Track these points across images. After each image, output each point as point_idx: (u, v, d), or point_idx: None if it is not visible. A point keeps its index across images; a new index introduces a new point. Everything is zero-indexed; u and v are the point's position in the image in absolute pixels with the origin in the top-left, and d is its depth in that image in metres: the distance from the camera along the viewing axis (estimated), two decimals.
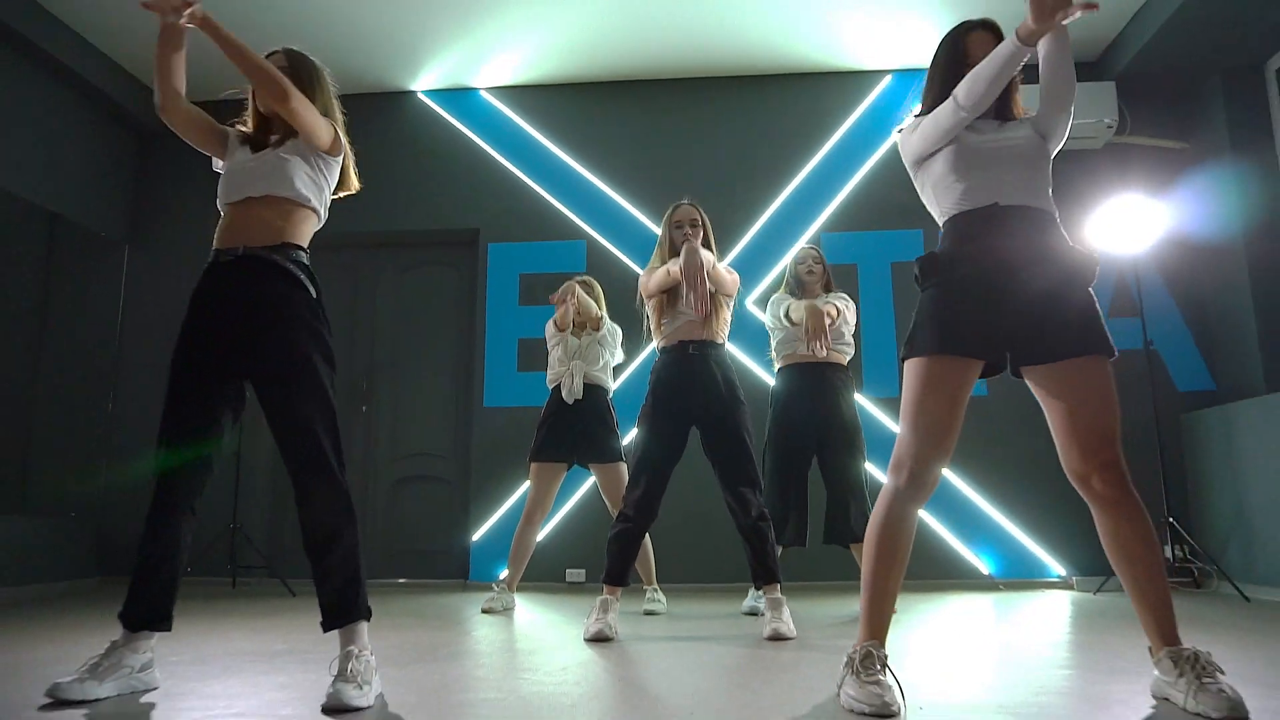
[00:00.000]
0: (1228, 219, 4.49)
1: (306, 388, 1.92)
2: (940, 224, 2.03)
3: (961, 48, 2.09)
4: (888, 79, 5.11)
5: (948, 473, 4.57)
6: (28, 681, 1.97)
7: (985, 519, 4.53)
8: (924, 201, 2.10)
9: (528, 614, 3.47)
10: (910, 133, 2.04)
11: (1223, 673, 1.64)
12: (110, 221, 5.19)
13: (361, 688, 1.69)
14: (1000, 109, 2.08)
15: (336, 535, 1.88)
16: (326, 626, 1.85)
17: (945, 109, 1.95)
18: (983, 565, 4.50)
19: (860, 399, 4.51)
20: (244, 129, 2.21)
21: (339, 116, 2.28)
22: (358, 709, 1.65)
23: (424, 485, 5.00)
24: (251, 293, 1.97)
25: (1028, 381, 1.93)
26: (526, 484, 3.93)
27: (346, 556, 1.89)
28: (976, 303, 1.86)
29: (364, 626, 1.85)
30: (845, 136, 5.04)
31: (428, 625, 3.06)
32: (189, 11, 1.92)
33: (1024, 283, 1.85)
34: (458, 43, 4.84)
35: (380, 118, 5.27)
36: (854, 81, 5.12)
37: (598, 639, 2.65)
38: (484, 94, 5.30)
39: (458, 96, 5.31)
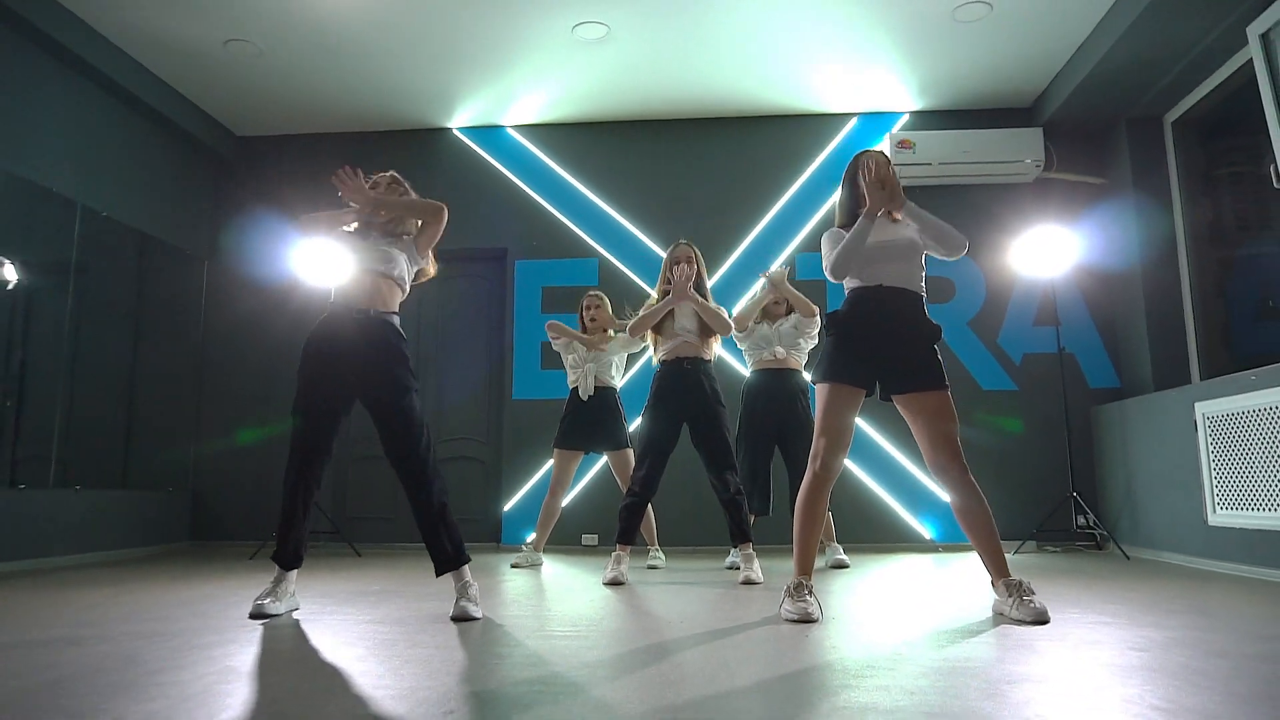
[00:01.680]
0: (1129, 248, 5.41)
1: (407, 408, 2.80)
2: (845, 290, 2.96)
3: (860, 164, 3.00)
4: (854, 121, 6.00)
5: (892, 449, 5.53)
6: (220, 606, 2.92)
7: (927, 491, 5.50)
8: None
9: (552, 569, 4.43)
10: (826, 255, 2.95)
11: (1035, 593, 2.59)
12: (193, 240, 6.09)
13: (477, 604, 2.64)
14: (890, 215, 2.99)
15: (443, 509, 2.78)
16: (440, 571, 2.76)
17: (827, 264, 2.87)
18: (925, 530, 5.47)
19: None
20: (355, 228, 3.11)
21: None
22: (476, 619, 2.59)
23: (463, 464, 5.95)
24: (371, 340, 2.88)
25: (896, 405, 2.85)
26: (550, 464, 4.85)
27: (450, 523, 2.78)
28: (859, 350, 2.80)
29: (467, 567, 2.79)
30: (818, 170, 5.94)
31: (474, 576, 4.02)
32: (358, 201, 2.87)
33: (890, 340, 2.79)
34: (488, 87, 5.69)
35: (421, 151, 6.16)
36: (825, 123, 6.02)
37: (613, 583, 3.59)
38: (511, 131, 6.19)
39: (488, 133, 6.20)
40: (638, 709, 1.54)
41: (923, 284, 2.87)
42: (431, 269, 3.18)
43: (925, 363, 2.78)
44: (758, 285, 4.76)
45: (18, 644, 2.20)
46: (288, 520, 2.78)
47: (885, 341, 2.78)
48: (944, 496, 5.45)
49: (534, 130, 6.18)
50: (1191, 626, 2.40)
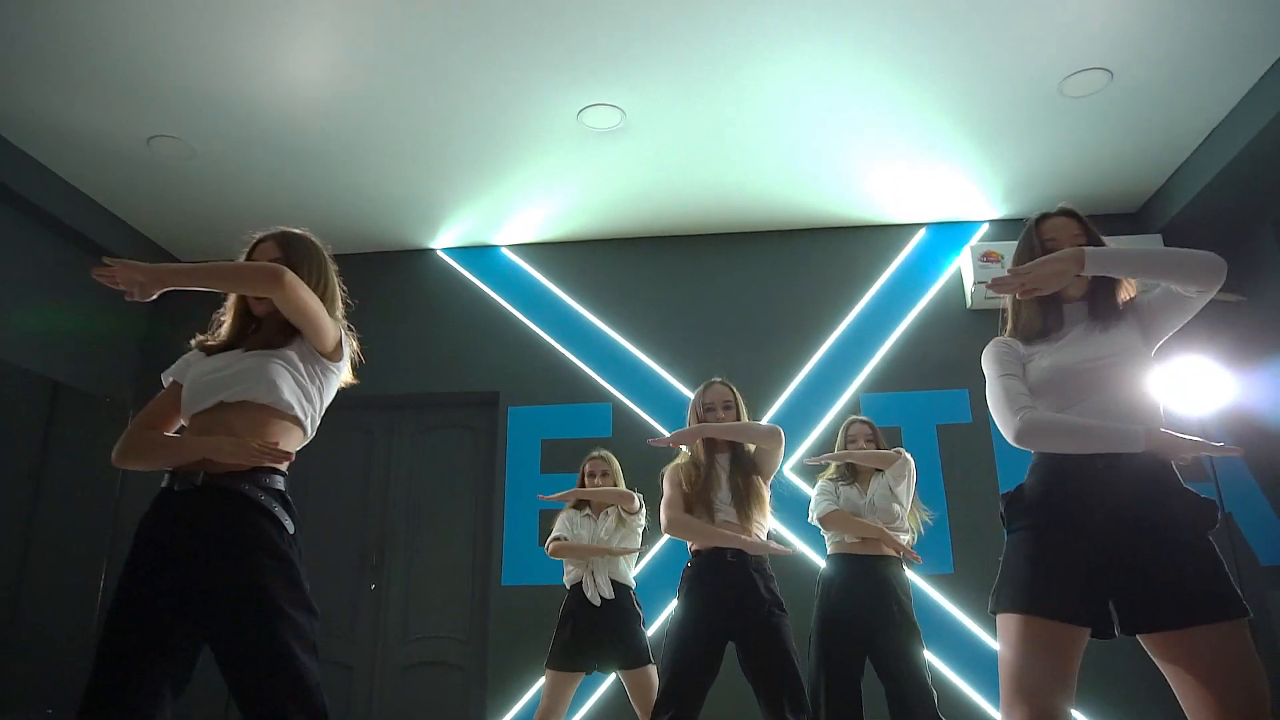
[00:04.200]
0: None
1: (265, 650, 1.59)
2: (1033, 454, 1.78)
3: (1035, 237, 1.93)
4: (922, 232, 4.96)
5: None
6: None
7: None
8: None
9: None
10: (996, 399, 1.82)
11: None
12: (113, 383, 4.99)
13: None
14: (1098, 306, 1.87)
15: None
16: None
17: (1005, 411, 1.76)
18: None
19: (916, 580, 4.16)
20: (210, 343, 1.96)
21: (341, 309, 2.04)
22: None
23: (436, 672, 4.60)
24: (210, 528, 1.68)
25: (1147, 649, 1.63)
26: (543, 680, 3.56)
27: None
28: (1072, 559, 1.61)
29: None
30: (881, 292, 4.86)
31: None
32: (140, 292, 1.69)
33: (1128, 537, 1.60)
34: (478, 200, 4.72)
35: (398, 275, 5.14)
36: (886, 235, 4.98)
37: None
38: (505, 251, 5.18)
39: (478, 254, 5.19)
40: None
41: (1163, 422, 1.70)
42: (348, 373, 2.00)
43: (1198, 574, 1.62)
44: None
45: None
46: None
47: (1119, 540, 1.64)
48: None
49: (534, 250, 5.17)
50: None
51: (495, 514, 4.72)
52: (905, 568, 3.25)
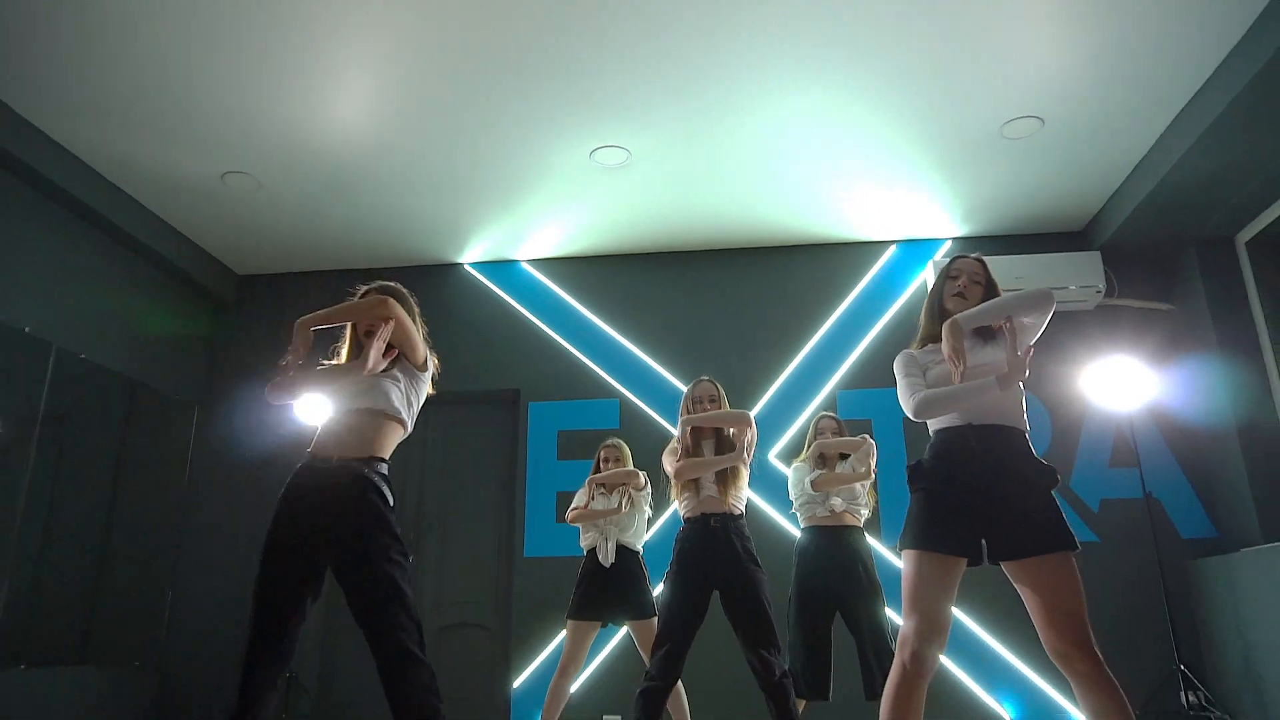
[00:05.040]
0: (1214, 384, 4.82)
1: (380, 581, 2.24)
2: (930, 432, 2.41)
3: (945, 273, 2.53)
4: (892, 249, 5.59)
5: (967, 619, 4.79)
6: None
7: (1005, 664, 4.72)
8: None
9: None
10: (903, 387, 2.43)
11: None
12: (183, 386, 5.65)
13: None
14: (983, 335, 2.46)
15: (431, 713, 2.18)
16: None
17: (906, 397, 2.38)
18: (1003, 711, 4.66)
19: (879, 548, 4.79)
20: (337, 362, 2.61)
21: (423, 331, 2.70)
22: None
23: (467, 632, 5.26)
24: (338, 496, 2.33)
25: (1007, 574, 2.25)
26: (564, 634, 4.18)
27: None
28: (954, 507, 2.22)
29: None
30: (855, 301, 5.49)
31: None
32: (299, 362, 2.36)
33: (994, 490, 2.21)
34: (502, 219, 5.35)
35: (429, 288, 5.74)
36: (860, 251, 5.61)
37: None
38: (525, 265, 5.83)
39: (501, 268, 5.84)
40: None
41: (1025, 417, 2.32)
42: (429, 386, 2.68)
43: (1043, 517, 2.19)
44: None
45: None
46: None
47: (988, 493, 2.22)
48: (1026, 671, 4.67)
49: (550, 264, 5.82)
50: None
51: (518, 495, 5.36)
52: (868, 537, 3.88)
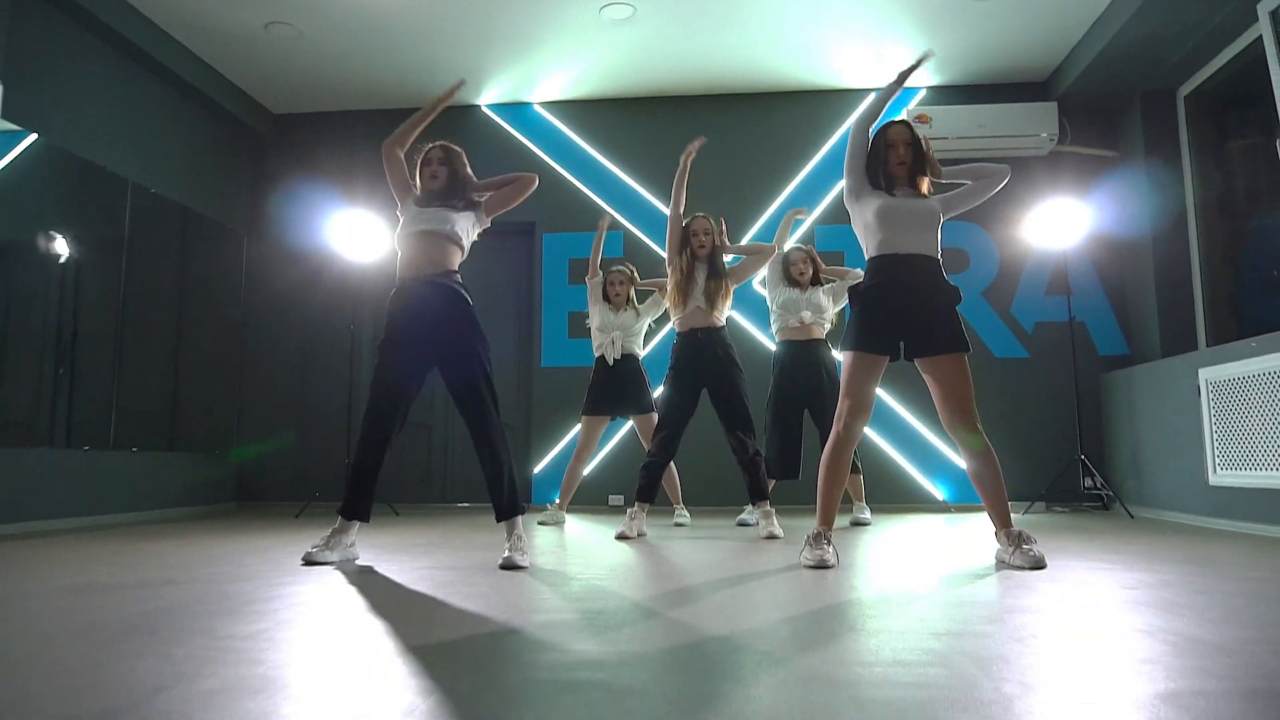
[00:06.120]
0: (1140, 219, 5.56)
1: (481, 371, 3.01)
2: (866, 258, 3.14)
3: (884, 138, 3.17)
4: (870, 97, 6.12)
5: (908, 415, 5.74)
6: (285, 554, 3.18)
7: (940, 454, 5.71)
8: (856, 234, 3.18)
9: (578, 526, 4.68)
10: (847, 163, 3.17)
11: (1035, 542, 2.80)
12: (233, 215, 6.32)
13: (524, 554, 2.86)
14: (914, 186, 3.15)
15: (505, 463, 3.00)
16: (500, 518, 2.97)
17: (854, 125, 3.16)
18: (937, 492, 5.69)
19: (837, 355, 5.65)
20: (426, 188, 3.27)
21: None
22: (522, 567, 2.77)
23: None
24: (442, 307, 3.03)
25: (917, 366, 3.05)
26: (577, 428, 5.08)
27: (511, 476, 2.99)
28: (882, 317, 2.99)
29: (520, 518, 3.01)
30: (835, 145, 6.10)
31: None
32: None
33: (911, 305, 2.97)
34: (516, 65, 5.86)
35: (451, 128, 6.26)
36: (844, 98, 6.16)
37: (621, 537, 3.82)
38: (538, 108, 6.38)
39: (516, 110, 6.39)
40: (681, 637, 1.78)
41: (940, 251, 3.05)
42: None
43: (946, 326, 2.94)
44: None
45: (122, 585, 2.46)
46: (361, 479, 2.98)
47: (907, 307, 2.94)
48: (958, 460, 5.66)
49: (560, 106, 6.36)
50: (1181, 571, 2.61)
51: (535, 314, 6.18)
52: (831, 349, 4.69)
